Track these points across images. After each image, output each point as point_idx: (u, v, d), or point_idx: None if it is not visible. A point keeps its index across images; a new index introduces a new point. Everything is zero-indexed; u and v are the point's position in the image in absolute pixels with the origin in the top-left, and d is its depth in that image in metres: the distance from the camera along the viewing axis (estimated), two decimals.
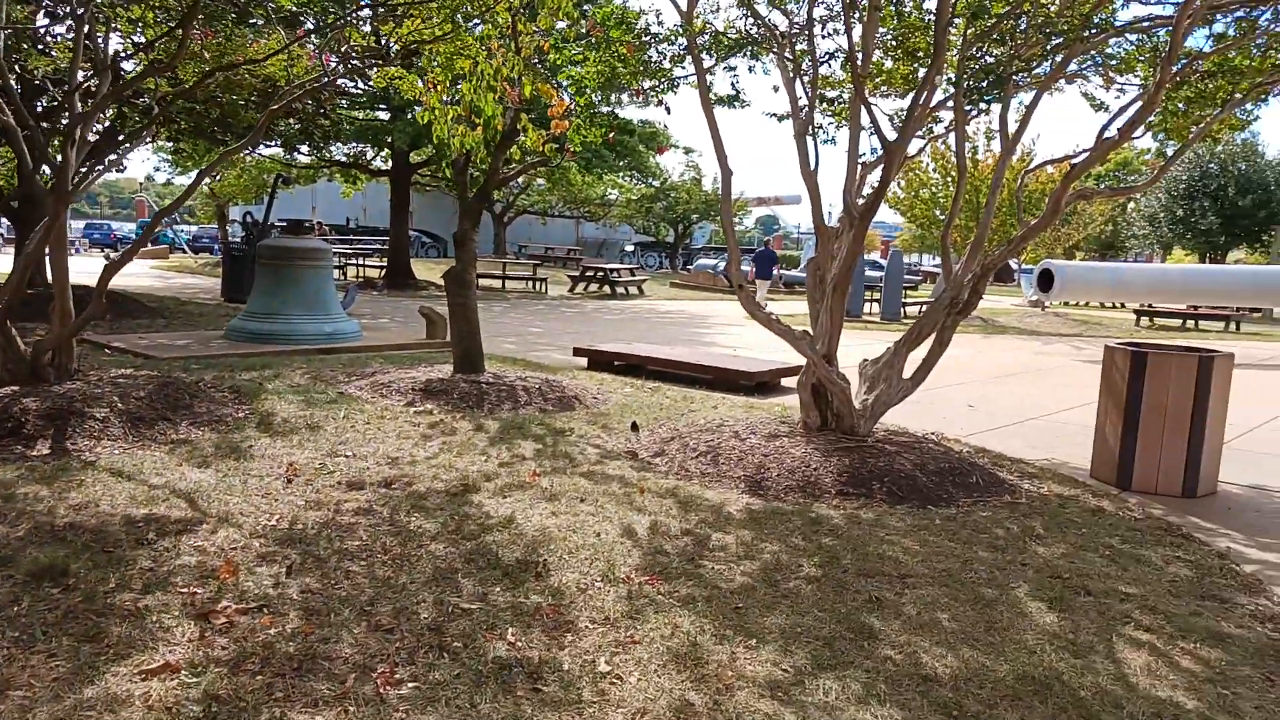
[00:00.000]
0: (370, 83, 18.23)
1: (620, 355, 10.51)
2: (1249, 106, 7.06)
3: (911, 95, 6.16)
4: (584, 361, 10.62)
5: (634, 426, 6.82)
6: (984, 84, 4.95)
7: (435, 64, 6.93)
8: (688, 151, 41.23)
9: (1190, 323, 22.66)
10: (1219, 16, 5.78)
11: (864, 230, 6.09)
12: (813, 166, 6.43)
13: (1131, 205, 34.36)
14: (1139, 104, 5.54)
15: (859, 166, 6.30)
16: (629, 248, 45.95)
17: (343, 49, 6.56)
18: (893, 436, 6.34)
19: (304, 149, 19.40)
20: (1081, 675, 3.16)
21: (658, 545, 4.24)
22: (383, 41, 9.50)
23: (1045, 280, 14.81)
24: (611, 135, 10.31)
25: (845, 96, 8.03)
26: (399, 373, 8.47)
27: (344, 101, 20.49)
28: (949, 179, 21.06)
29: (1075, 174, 5.68)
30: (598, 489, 5.10)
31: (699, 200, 38.15)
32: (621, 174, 26.57)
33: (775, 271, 21.69)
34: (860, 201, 6.22)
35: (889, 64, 7.13)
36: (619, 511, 4.70)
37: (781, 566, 4.04)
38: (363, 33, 7.07)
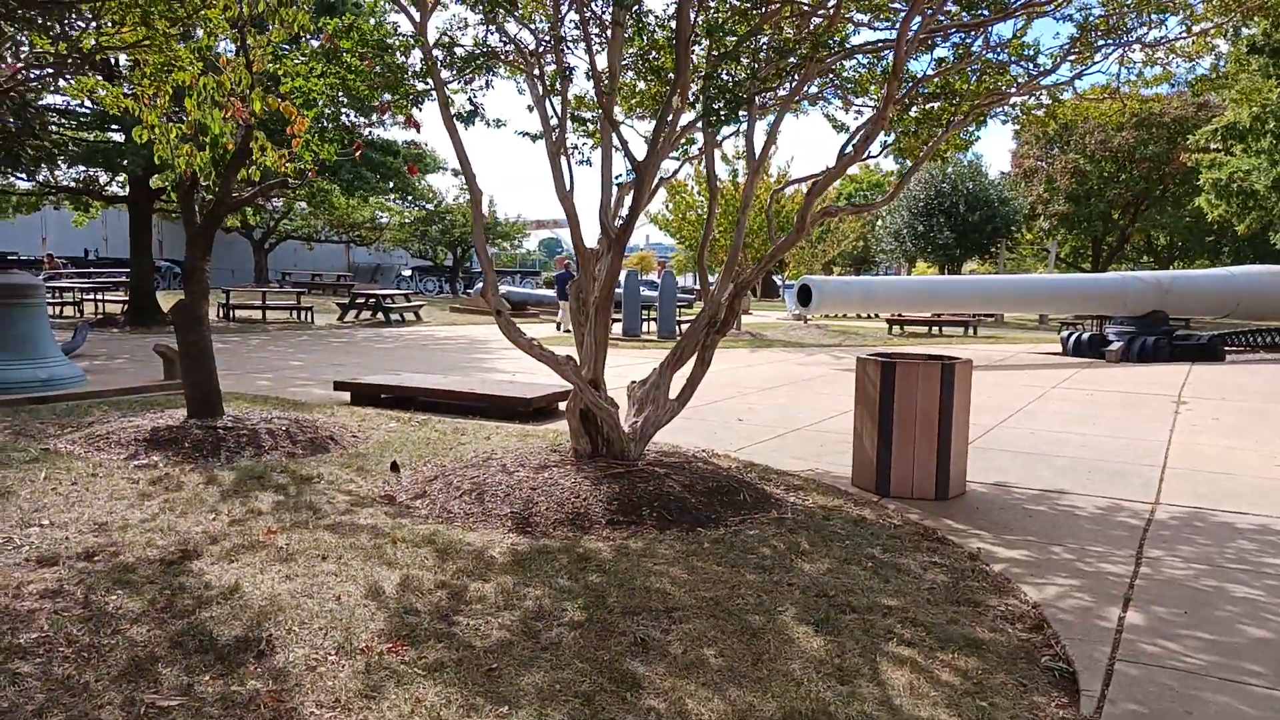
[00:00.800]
0: (98, 101, 16.44)
1: (388, 388, 9.88)
2: (971, 128, 7.58)
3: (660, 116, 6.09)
4: (347, 396, 9.90)
5: (394, 467, 6.31)
6: (720, 104, 4.91)
7: (145, 76, 6.15)
8: (457, 174, 40.43)
9: (935, 329, 24.67)
10: (939, 42, 6.12)
11: (621, 252, 5.94)
12: (568, 188, 6.23)
13: (880, 223, 37.19)
14: (873, 123, 5.74)
15: (614, 188, 6.16)
16: (406, 272, 44.49)
17: (21, 54, 5.65)
18: (664, 458, 6.22)
19: (13, 173, 17.13)
20: (848, 704, 3.06)
21: (407, 604, 3.81)
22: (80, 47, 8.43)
23: (805, 295, 15.53)
24: (359, 153, 9.69)
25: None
26: (123, 421, 7.47)
27: (65, 121, 18.36)
28: (725, 201, 21.80)
29: (817, 191, 5.82)
30: (344, 543, 4.59)
31: None
32: (389, 196, 25.54)
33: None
34: (618, 224, 6.07)
35: (642, 85, 7.07)
36: (366, 568, 4.22)
37: (543, 614, 3.73)
38: (50, 36, 6.16)
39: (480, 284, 31.88)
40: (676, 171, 7.77)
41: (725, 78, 5.31)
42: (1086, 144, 32.08)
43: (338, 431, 7.62)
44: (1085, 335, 18.68)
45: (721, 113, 4.99)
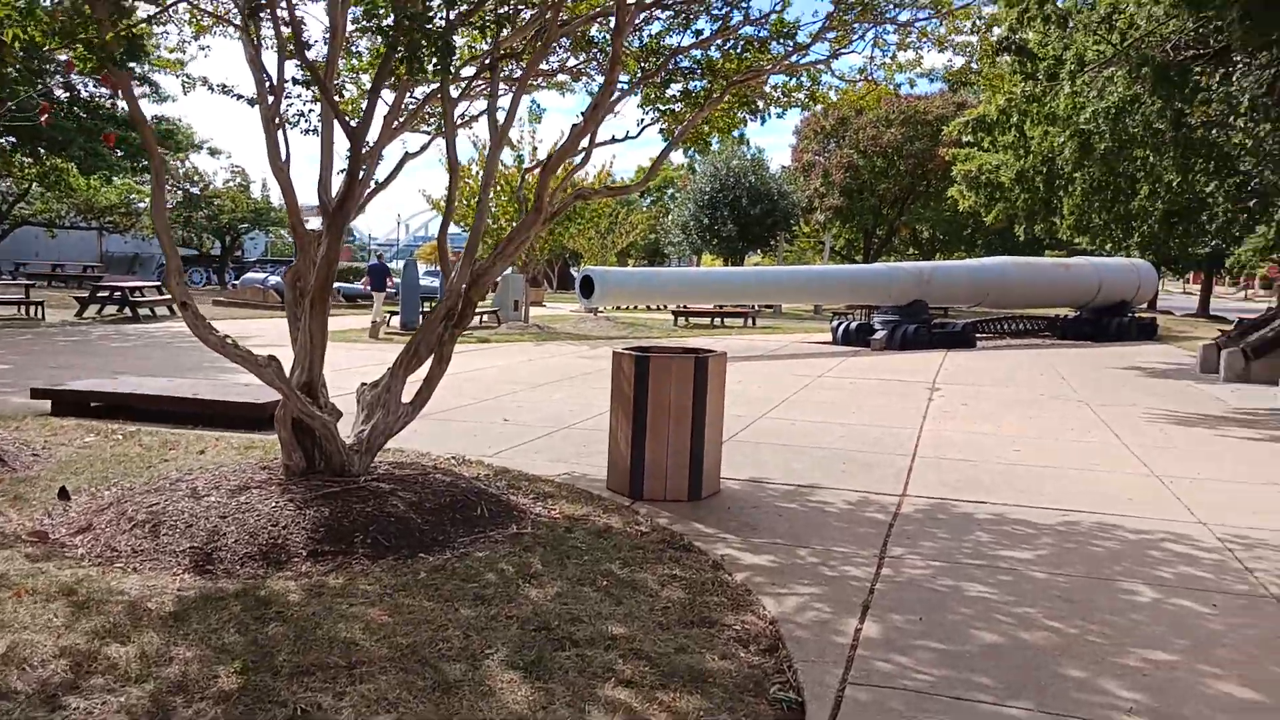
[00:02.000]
0: None
1: (99, 394, 8.58)
2: (740, 114, 7.35)
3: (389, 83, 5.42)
4: (48, 405, 8.50)
5: (62, 493, 5.28)
6: (427, 51, 4.31)
7: None
8: (214, 153, 37.24)
9: (719, 320, 25.11)
10: (664, 10, 5.79)
11: (339, 234, 5.22)
12: (283, 159, 5.42)
13: (671, 215, 37.72)
14: (626, 99, 5.34)
15: (333, 158, 5.42)
16: None
17: None
18: (395, 470, 5.55)
19: None
20: None
21: (2, 684, 2.97)
22: None
23: (587, 286, 15.17)
24: (45, 117, 8.30)
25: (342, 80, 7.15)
26: None
27: None
28: (510, 189, 20.98)
29: (552, 166, 5.35)
30: None
31: (246, 208, 34.71)
32: (139, 178, 23.03)
33: (390, 284, 19.88)
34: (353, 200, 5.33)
35: (365, 44, 6.35)
36: None
37: (186, 685, 3.01)
38: None
39: (248, 275, 29.46)
40: (425, 147, 7.08)
41: (439, 23, 4.71)
42: (860, 140, 33.83)
43: (14, 449, 6.41)
44: (853, 324, 19.47)
45: (427, 58, 4.39)
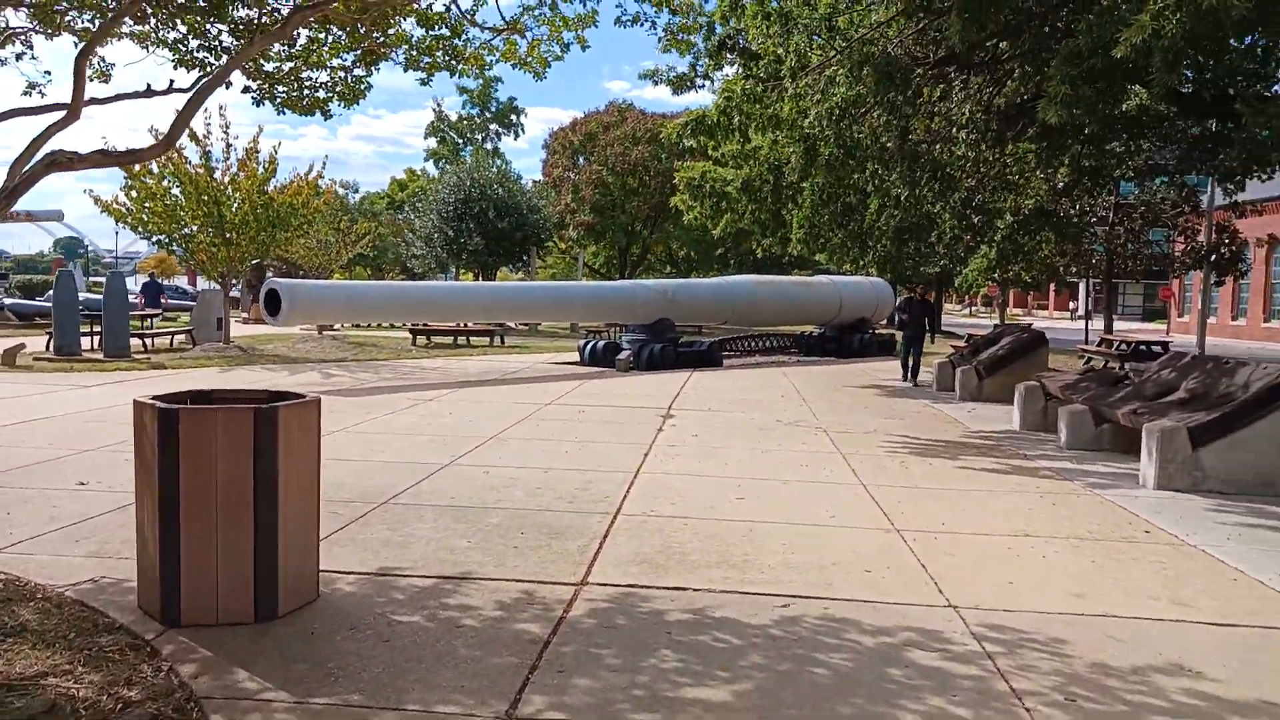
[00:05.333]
0: None
1: None
2: (358, 71, 5.48)
3: None
4: None
5: None
6: None
7: None
8: None
9: (462, 339, 23.08)
10: None
11: None
12: None
13: (417, 227, 35.12)
14: None
15: None
16: None
17: None
18: None
19: None
20: None
21: None
22: None
23: (272, 302, 12.68)
24: None
25: None
26: None
27: None
28: (197, 191, 17.75)
29: None
30: None
31: None
32: None
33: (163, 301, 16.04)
34: None
35: None
36: None
37: None
38: None
39: None
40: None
41: None
42: (608, 156, 32.94)
43: None
44: (600, 344, 18.17)
45: None
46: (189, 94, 3.78)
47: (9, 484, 6.25)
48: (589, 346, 18.24)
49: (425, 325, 23.16)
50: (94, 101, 3.97)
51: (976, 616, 4.11)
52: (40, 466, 6.86)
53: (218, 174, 18.00)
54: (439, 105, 68.94)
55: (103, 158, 3.69)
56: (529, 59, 5.57)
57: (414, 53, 5.25)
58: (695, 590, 4.38)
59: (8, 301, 23.27)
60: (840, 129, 10.03)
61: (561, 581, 4.47)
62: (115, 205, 17.96)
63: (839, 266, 20.60)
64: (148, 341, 18.27)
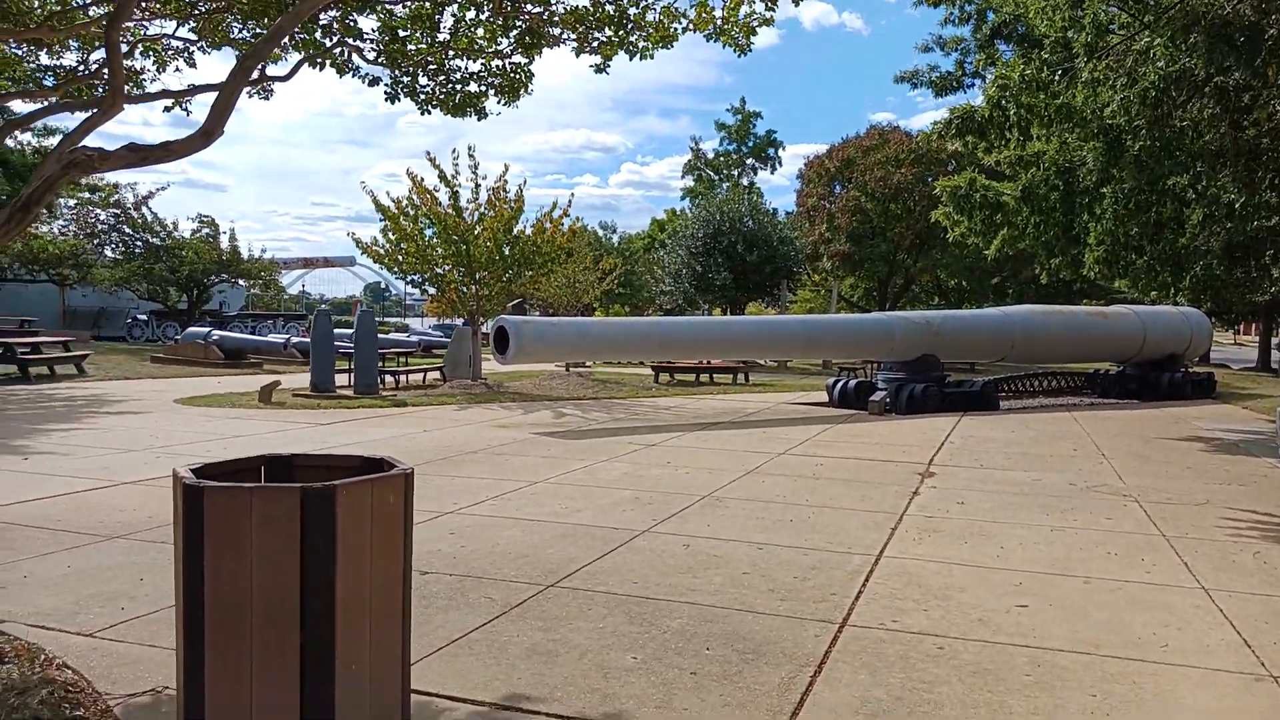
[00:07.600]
0: None
1: None
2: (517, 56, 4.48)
3: None
4: None
5: None
6: None
7: None
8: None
9: (704, 377, 22.09)
10: None
11: None
12: None
13: (666, 264, 34.84)
14: None
15: None
16: (142, 317, 38.40)
17: None
18: None
19: None
20: None
21: None
22: None
23: (501, 340, 12.20)
24: None
25: None
26: None
27: None
28: (446, 227, 18.16)
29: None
30: None
31: (211, 259, 32.39)
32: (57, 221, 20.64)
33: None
34: None
35: None
36: None
37: None
38: None
39: (190, 328, 26.71)
40: None
41: None
42: (867, 181, 30.88)
43: None
44: (852, 383, 16.40)
45: None
46: (230, 80, 2.89)
47: (142, 539, 5.77)
48: (838, 385, 16.53)
49: (668, 363, 22.40)
50: (167, 94, 3.18)
51: None
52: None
53: (466, 213, 18.27)
54: (697, 143, 69.53)
55: (131, 153, 2.87)
56: (727, 25, 4.31)
57: (581, 27, 4.15)
58: None
59: (215, 335, 25.17)
60: (1156, 115, 7.80)
61: None
62: (374, 248, 18.72)
63: (1143, 294, 17.35)
64: (400, 378, 18.77)
